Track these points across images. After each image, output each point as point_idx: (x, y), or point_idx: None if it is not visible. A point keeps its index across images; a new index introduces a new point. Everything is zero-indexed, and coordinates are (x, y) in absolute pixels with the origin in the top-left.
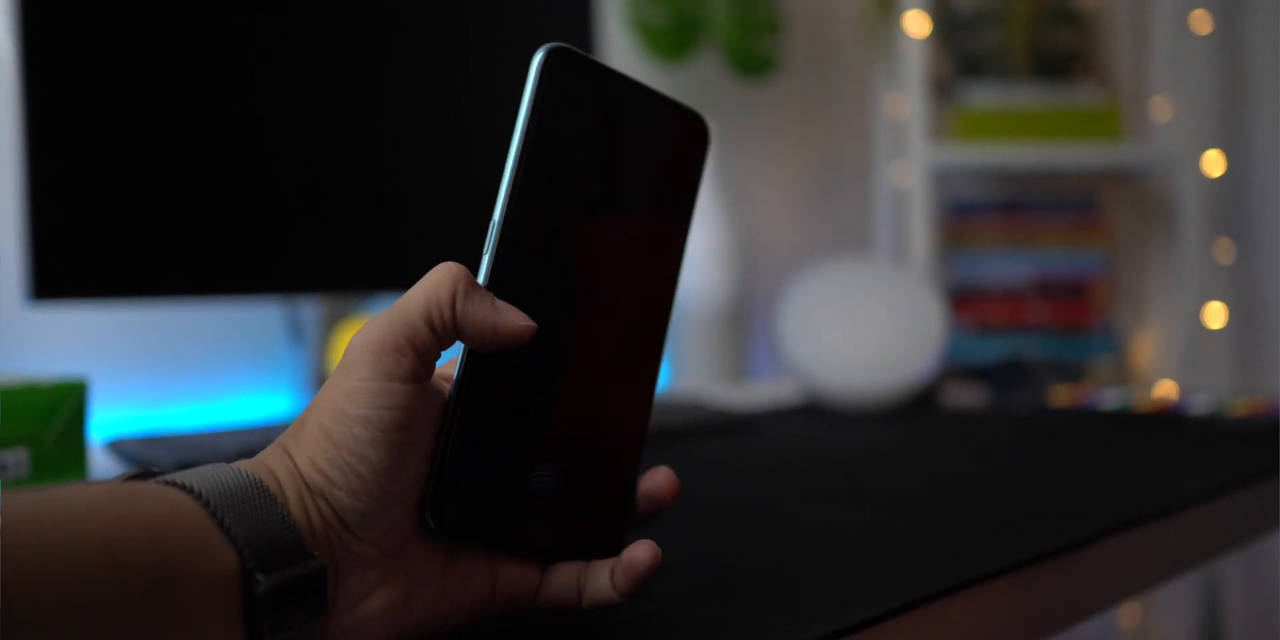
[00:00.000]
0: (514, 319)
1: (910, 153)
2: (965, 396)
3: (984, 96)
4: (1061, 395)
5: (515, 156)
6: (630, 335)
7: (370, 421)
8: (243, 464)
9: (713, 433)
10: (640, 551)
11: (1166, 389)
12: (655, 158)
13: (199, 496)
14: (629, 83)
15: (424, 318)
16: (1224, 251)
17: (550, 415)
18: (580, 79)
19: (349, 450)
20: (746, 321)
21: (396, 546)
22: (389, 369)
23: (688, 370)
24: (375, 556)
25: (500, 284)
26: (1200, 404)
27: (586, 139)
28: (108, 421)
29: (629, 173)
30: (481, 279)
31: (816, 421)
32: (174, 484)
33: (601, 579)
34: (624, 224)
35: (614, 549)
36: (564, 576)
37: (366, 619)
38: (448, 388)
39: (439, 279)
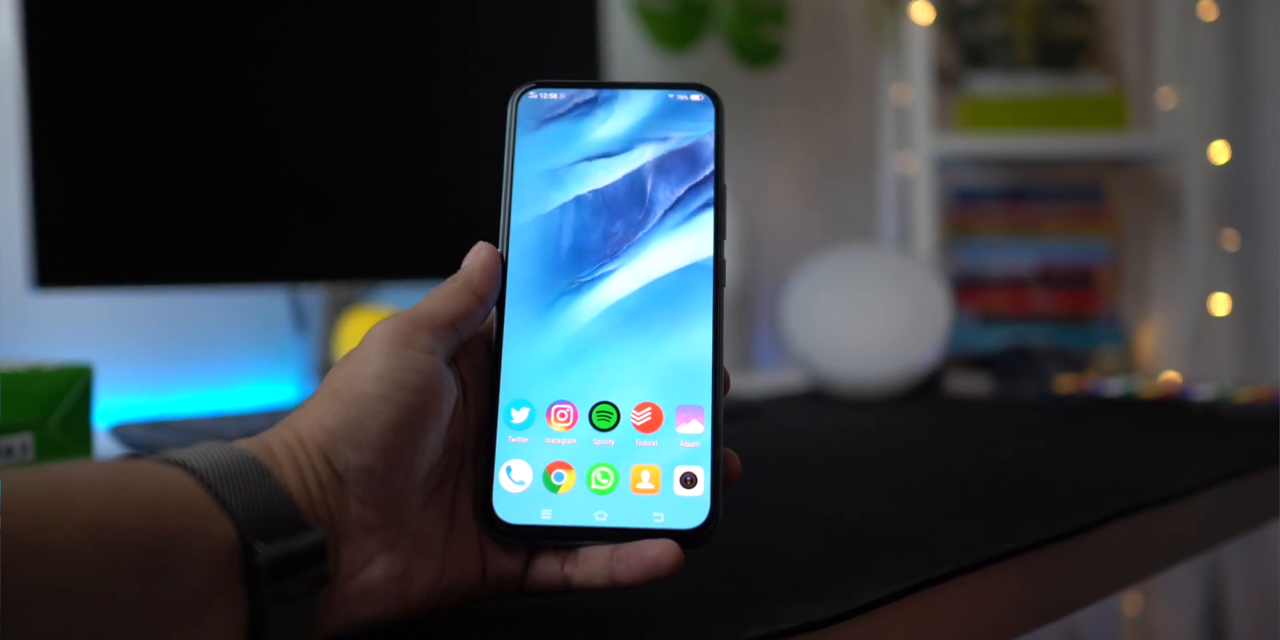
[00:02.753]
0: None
1: (915, 141)
2: (970, 384)
3: (989, 85)
4: (1066, 383)
5: (508, 189)
6: (662, 301)
7: (384, 379)
8: (240, 442)
9: None
10: (660, 552)
11: (1171, 378)
12: (661, 141)
13: (194, 472)
14: (612, 85)
15: (449, 317)
16: (1229, 240)
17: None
18: (555, 99)
19: (357, 406)
20: (751, 309)
21: (398, 515)
22: (406, 339)
23: None
24: (375, 522)
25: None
26: (1204, 392)
27: (576, 149)
28: (112, 407)
29: (638, 164)
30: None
31: (821, 409)
32: (169, 461)
33: (594, 566)
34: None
35: (704, 525)
36: (546, 564)
37: (369, 588)
38: (467, 374)
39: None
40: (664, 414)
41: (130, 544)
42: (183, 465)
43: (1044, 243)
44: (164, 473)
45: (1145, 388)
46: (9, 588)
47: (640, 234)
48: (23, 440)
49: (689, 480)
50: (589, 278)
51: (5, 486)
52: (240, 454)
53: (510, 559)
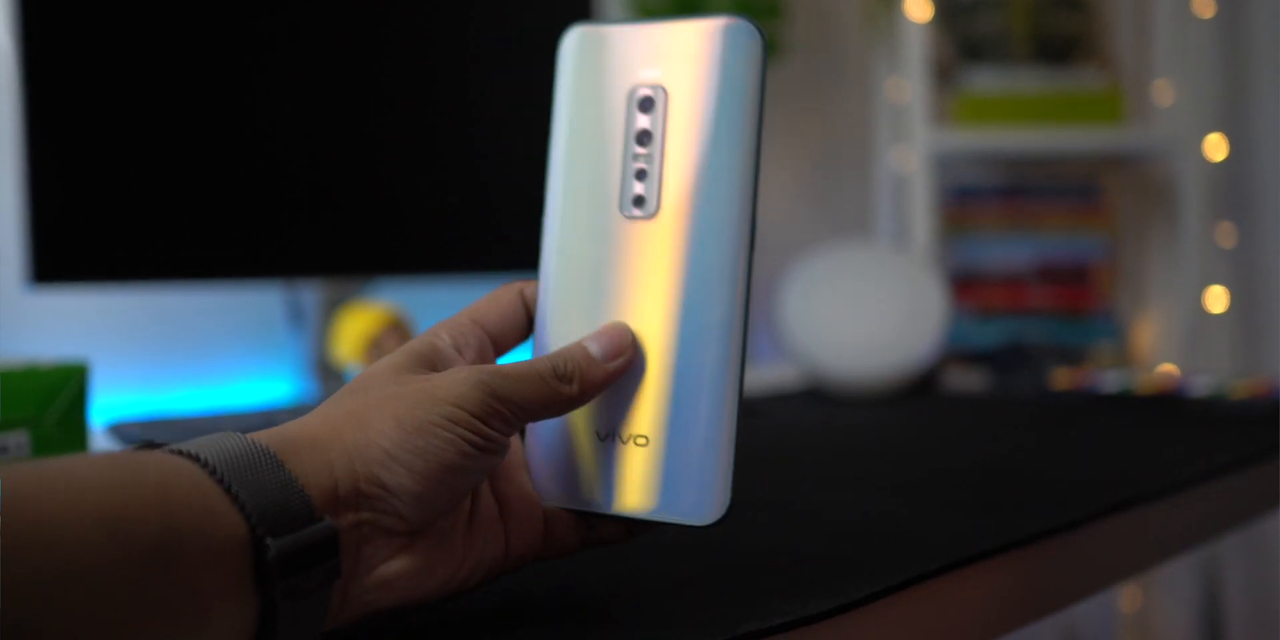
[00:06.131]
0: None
1: (911, 137)
2: (966, 380)
3: (985, 81)
4: (1062, 379)
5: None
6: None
7: (452, 429)
8: (258, 434)
9: None
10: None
11: (1167, 370)
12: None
13: (204, 463)
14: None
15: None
16: (1225, 235)
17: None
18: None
19: (422, 436)
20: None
21: (426, 524)
22: (490, 415)
23: None
24: (401, 529)
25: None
26: (1200, 386)
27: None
28: (108, 405)
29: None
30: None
31: (817, 405)
32: (179, 452)
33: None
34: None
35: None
36: (565, 525)
37: (386, 581)
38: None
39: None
40: None
41: (137, 536)
42: (192, 456)
43: (1041, 239)
44: (172, 464)
45: (1142, 383)
46: (13, 580)
47: None
48: (18, 438)
49: None
50: None
51: (8, 478)
52: (253, 445)
53: (532, 530)
